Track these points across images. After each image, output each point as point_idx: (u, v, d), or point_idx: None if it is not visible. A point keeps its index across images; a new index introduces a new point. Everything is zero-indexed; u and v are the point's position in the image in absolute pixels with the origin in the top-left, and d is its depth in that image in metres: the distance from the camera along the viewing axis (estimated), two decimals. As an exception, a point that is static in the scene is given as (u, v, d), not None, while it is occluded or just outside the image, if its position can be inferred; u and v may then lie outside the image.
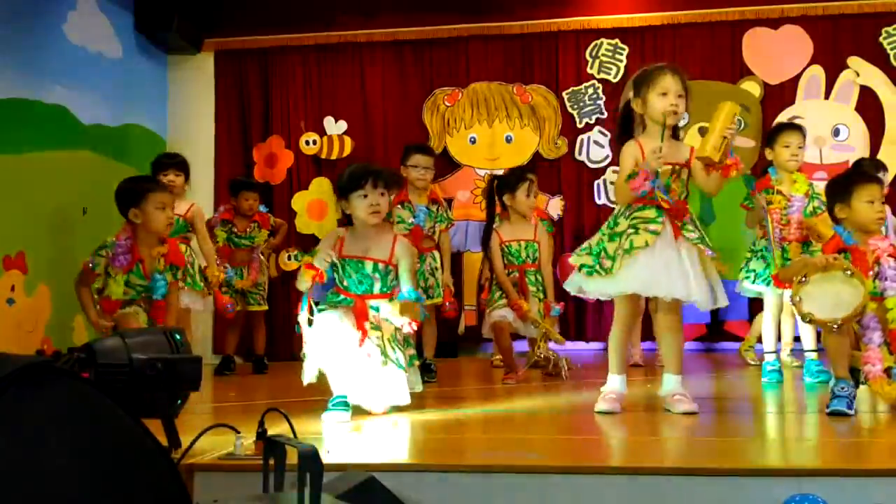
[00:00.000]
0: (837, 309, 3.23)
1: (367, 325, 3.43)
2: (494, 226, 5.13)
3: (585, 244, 3.57)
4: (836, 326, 3.25)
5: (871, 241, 3.45)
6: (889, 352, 3.31)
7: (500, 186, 5.05)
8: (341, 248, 3.51)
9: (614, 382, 3.53)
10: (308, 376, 3.52)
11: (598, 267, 3.44)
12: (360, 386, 3.39)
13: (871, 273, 3.36)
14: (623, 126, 3.62)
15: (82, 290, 4.14)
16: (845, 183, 3.62)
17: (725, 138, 3.33)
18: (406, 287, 3.50)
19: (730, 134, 3.34)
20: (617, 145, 3.70)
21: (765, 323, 4.74)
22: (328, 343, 3.41)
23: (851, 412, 3.20)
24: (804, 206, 4.56)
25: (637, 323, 5.77)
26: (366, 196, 3.48)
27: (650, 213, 3.41)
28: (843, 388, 3.25)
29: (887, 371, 3.28)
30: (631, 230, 3.41)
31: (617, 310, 3.57)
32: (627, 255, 3.37)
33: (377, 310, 3.48)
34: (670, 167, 3.44)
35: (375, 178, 3.49)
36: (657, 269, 3.38)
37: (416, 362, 3.63)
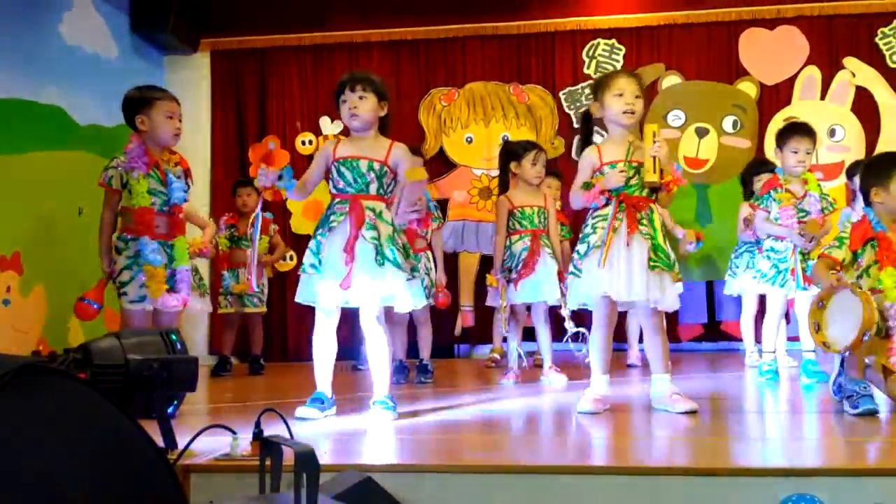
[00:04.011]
0: (854, 330, 3.17)
1: (365, 226, 3.38)
2: (506, 193, 5.08)
3: None
4: (845, 353, 3.23)
5: None
6: None
7: (507, 155, 5.05)
8: (335, 152, 3.50)
9: (598, 384, 3.55)
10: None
11: (574, 269, 3.53)
12: (356, 287, 3.35)
13: None
14: (584, 134, 3.73)
15: (104, 224, 3.91)
16: (887, 165, 3.51)
17: (654, 157, 3.39)
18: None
19: (656, 151, 3.40)
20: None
21: (766, 322, 4.74)
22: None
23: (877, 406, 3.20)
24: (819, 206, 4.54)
25: (636, 323, 5.77)
26: (345, 101, 3.49)
27: (606, 209, 3.49)
28: (865, 388, 3.22)
29: None
30: (591, 230, 3.50)
31: (594, 311, 3.59)
32: (590, 254, 3.46)
33: (373, 210, 3.42)
34: (630, 163, 3.50)
35: (353, 82, 3.49)
36: (613, 270, 3.43)
37: (417, 275, 3.58)
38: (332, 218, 3.44)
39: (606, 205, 3.50)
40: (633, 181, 3.49)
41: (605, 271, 3.42)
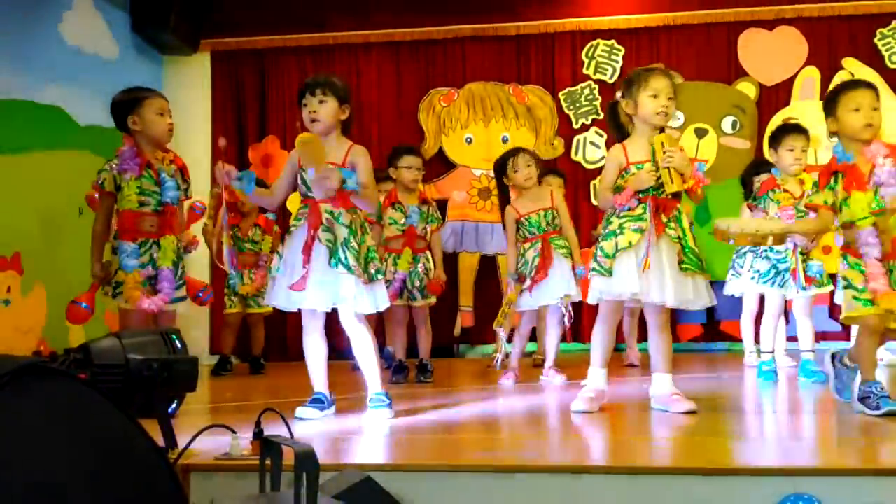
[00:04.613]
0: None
1: (321, 229, 3.40)
2: (510, 203, 5.08)
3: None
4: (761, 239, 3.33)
5: (867, 150, 3.32)
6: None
7: (497, 171, 5.08)
8: (299, 160, 3.53)
9: (596, 377, 3.56)
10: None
11: (598, 266, 3.48)
12: (309, 287, 3.38)
13: (869, 185, 3.27)
14: (616, 127, 3.68)
15: (97, 228, 3.92)
16: (833, 95, 3.50)
17: (667, 167, 3.38)
18: (355, 175, 3.44)
19: (668, 162, 3.38)
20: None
21: (765, 322, 4.74)
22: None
23: None
24: None
25: (634, 323, 5.77)
26: (306, 105, 3.52)
27: (637, 209, 3.47)
28: (881, 388, 3.20)
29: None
30: (619, 229, 3.47)
31: (602, 307, 3.58)
32: (618, 255, 3.43)
33: (331, 213, 3.43)
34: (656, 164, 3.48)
35: (313, 87, 3.52)
36: (645, 272, 3.41)
37: (381, 277, 3.56)
38: (293, 223, 3.54)
39: (636, 205, 3.48)
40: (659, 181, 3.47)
41: (638, 272, 3.40)
